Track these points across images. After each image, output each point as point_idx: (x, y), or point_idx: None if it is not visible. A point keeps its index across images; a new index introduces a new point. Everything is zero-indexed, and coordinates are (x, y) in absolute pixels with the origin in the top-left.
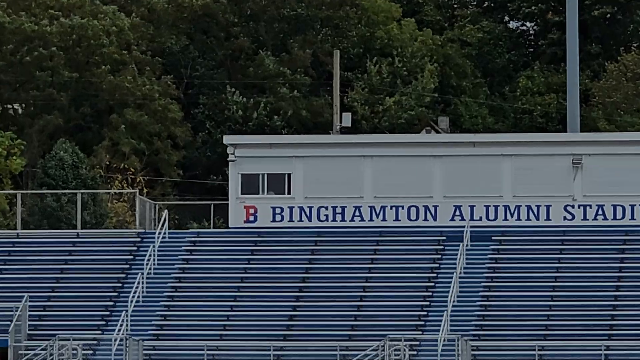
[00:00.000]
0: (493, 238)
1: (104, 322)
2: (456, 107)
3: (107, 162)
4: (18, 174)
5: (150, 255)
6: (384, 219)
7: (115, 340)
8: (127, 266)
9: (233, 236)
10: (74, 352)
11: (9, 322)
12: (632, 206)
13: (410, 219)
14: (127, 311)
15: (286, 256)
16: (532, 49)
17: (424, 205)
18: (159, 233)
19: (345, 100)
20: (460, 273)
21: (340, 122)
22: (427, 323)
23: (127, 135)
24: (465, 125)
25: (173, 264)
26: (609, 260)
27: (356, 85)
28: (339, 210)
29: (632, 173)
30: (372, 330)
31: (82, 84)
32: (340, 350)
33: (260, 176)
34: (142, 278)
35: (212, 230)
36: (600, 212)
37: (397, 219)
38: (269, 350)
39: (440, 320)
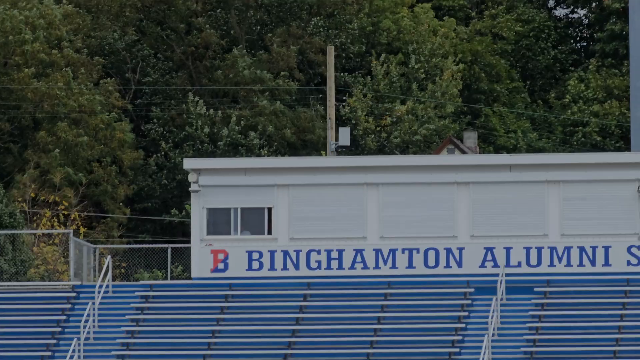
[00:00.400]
0: (535, 290)
1: None
2: (487, 119)
3: (33, 195)
4: None
5: (88, 315)
6: (393, 266)
7: None
8: (59, 329)
9: (197, 290)
10: None
11: None
12: None
13: (427, 266)
14: None
15: (266, 316)
16: (585, 44)
17: (445, 248)
18: (100, 286)
19: (343, 112)
20: (493, 335)
21: (337, 139)
22: None
23: (60, 160)
24: (500, 142)
25: (118, 327)
26: None
27: (357, 91)
28: (334, 255)
29: None
30: None
31: None
32: None
33: (233, 211)
34: (79, 345)
35: (169, 282)
36: None
37: (410, 266)
38: None
39: None
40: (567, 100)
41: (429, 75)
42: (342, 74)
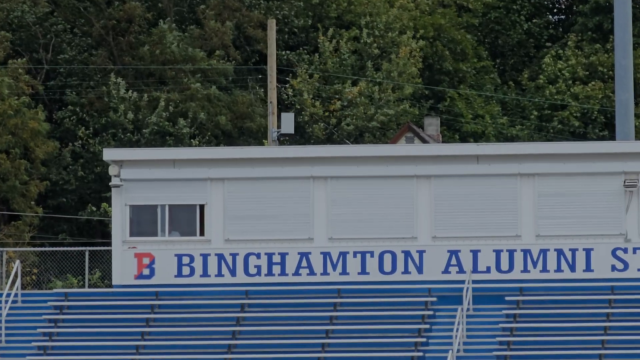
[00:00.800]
0: (507, 299)
1: None
2: (452, 102)
3: None
4: None
5: None
6: (344, 272)
7: None
8: None
9: (119, 299)
10: None
11: None
12: None
13: (383, 272)
14: None
15: (199, 329)
16: (563, 16)
17: (403, 251)
18: (8, 295)
19: (286, 95)
20: (458, 351)
21: (279, 126)
22: None
23: None
24: (466, 129)
25: (29, 342)
26: None
27: (301, 70)
28: (276, 259)
29: None
30: None
31: None
32: None
33: (160, 209)
34: None
35: (86, 290)
36: None
37: (363, 272)
38: None
39: None
40: (542, 80)
41: (385, 52)
42: (284, 52)
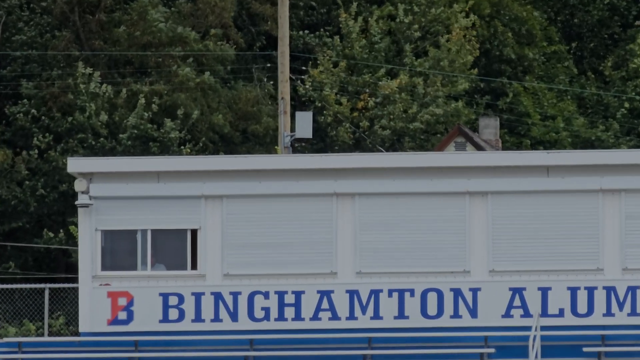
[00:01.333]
0: (585, 350)
1: None
2: (515, 98)
3: None
4: None
5: None
6: (376, 316)
7: None
8: None
9: (88, 351)
10: None
11: None
12: None
13: (426, 315)
14: None
15: None
16: None
17: (452, 289)
18: None
19: (303, 89)
20: None
21: (293, 129)
22: None
23: None
24: (533, 134)
25: None
26: None
27: (323, 58)
28: (289, 299)
29: None
30: None
31: None
32: None
33: (140, 235)
34: None
35: (46, 339)
36: None
37: (401, 316)
38: None
39: None
40: (631, 70)
41: (429, 34)
42: (300, 33)
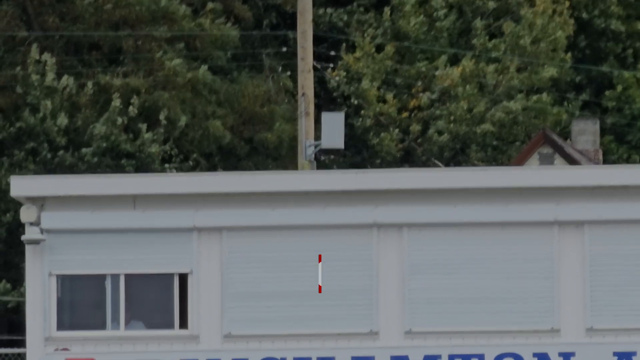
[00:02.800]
0: None
1: None
2: (624, 93)
3: None
4: None
5: None
6: None
7: None
8: None
9: None
10: None
11: None
12: None
13: None
14: None
15: None
16: None
17: (537, 354)
18: None
19: (332, 81)
20: None
21: (318, 137)
22: None
23: None
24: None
25: None
26: None
27: (361, 39)
28: None
29: None
30: None
31: None
32: None
33: (110, 282)
34: None
35: None
36: None
37: None
38: None
39: None
40: None
41: (507, 3)
42: (323, 11)
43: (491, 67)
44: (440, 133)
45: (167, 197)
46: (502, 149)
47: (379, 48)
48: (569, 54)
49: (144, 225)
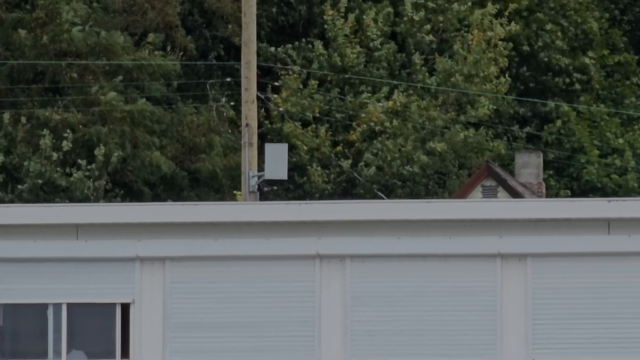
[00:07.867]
0: None
1: None
2: (565, 126)
3: None
4: None
5: None
6: None
7: None
8: None
9: None
10: None
11: None
12: None
13: None
14: None
15: None
16: None
17: None
18: None
19: (275, 111)
20: None
21: (261, 168)
22: None
23: None
24: (589, 177)
25: None
26: None
27: (286, 76)
28: None
29: None
30: None
31: None
32: None
33: (51, 311)
34: None
35: None
36: None
37: None
38: None
39: None
40: None
41: (444, 38)
42: (263, 45)
43: (422, 102)
44: (367, 165)
45: (109, 227)
46: (442, 183)
47: (305, 84)
48: (505, 86)
49: (86, 254)
